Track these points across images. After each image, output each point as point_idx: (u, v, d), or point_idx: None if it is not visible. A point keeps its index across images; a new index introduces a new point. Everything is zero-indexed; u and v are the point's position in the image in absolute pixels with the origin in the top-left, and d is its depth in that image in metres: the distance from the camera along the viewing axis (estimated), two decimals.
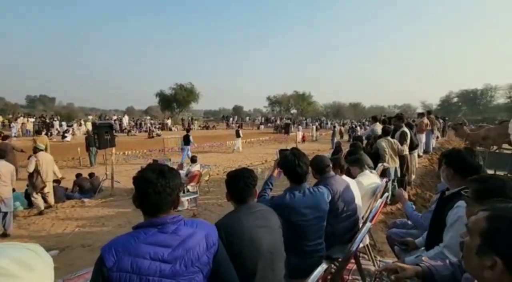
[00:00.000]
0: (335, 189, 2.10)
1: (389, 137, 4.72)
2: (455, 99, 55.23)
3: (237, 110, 61.10)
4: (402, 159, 4.88)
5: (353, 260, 2.39)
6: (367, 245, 2.88)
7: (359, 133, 15.57)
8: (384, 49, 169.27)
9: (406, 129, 5.16)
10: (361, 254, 2.86)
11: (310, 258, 1.77)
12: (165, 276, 1.07)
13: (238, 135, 15.52)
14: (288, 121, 29.27)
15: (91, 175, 7.61)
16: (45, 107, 44.58)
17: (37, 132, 9.86)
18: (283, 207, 1.71)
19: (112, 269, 1.02)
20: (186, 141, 11.27)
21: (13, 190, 5.83)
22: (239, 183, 1.51)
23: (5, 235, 4.71)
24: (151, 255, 1.06)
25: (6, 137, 7.77)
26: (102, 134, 7.14)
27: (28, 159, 5.97)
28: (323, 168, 2.19)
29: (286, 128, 16.40)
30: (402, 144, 4.86)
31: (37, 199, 5.61)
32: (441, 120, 14.55)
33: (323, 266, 1.33)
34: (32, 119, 22.61)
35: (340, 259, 1.97)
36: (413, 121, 8.79)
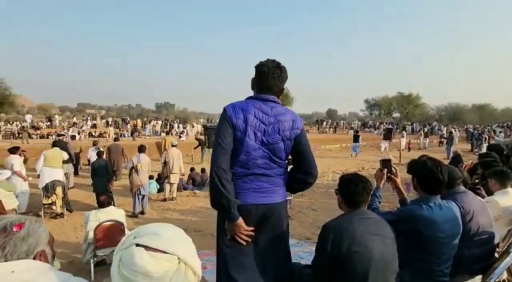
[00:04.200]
0: (467, 207, 1.78)
1: None
2: None
3: (331, 114, 58.99)
4: None
5: None
6: (503, 281, 2.34)
7: (491, 142, 12.64)
8: None
9: None
10: None
11: (435, 281, 1.57)
12: (260, 131, 1.51)
13: (386, 138, 16.81)
14: (390, 126, 26.35)
15: (203, 170, 8.82)
16: (167, 112, 54.10)
17: (167, 133, 12.08)
18: (420, 219, 1.56)
19: (232, 116, 1.50)
20: (356, 139, 14.86)
21: (151, 177, 7.34)
22: (358, 186, 1.49)
23: (142, 213, 5.97)
24: (255, 114, 1.51)
25: (117, 139, 9.81)
26: (211, 135, 8.20)
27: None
28: (453, 180, 1.88)
29: (388, 134, 14.77)
30: None
31: (166, 187, 6.88)
32: None
33: None
34: (160, 122, 27.82)
35: None
36: None
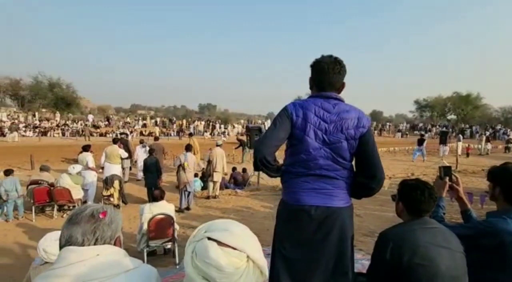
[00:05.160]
0: None
1: None
2: None
3: (376, 115, 55.74)
4: None
5: None
6: None
7: None
8: None
9: None
10: None
11: None
12: (320, 129, 1.45)
13: (441, 141, 15.97)
14: (444, 129, 24.10)
15: (244, 170, 8.98)
16: (210, 113, 56.20)
17: (190, 135, 11.87)
18: (506, 234, 1.38)
19: (292, 113, 1.47)
20: (421, 142, 14.05)
21: (195, 175, 7.69)
22: (424, 194, 1.37)
23: (188, 209, 6.27)
24: (315, 112, 1.46)
25: (157, 138, 10.27)
26: (253, 136, 8.30)
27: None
28: None
29: (443, 137, 13.46)
30: None
31: (209, 185, 7.14)
32: None
33: None
34: (202, 122, 29.05)
35: None
36: None
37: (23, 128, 22.03)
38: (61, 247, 0.87)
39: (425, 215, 1.40)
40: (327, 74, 1.48)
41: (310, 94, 1.58)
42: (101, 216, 0.90)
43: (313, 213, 1.44)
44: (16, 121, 24.38)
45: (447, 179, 1.77)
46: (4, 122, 23.90)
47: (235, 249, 0.70)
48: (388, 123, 40.04)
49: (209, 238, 0.72)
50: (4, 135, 20.38)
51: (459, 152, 14.82)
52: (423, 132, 19.95)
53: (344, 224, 1.47)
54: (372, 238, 4.52)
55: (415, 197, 1.39)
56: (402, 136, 30.23)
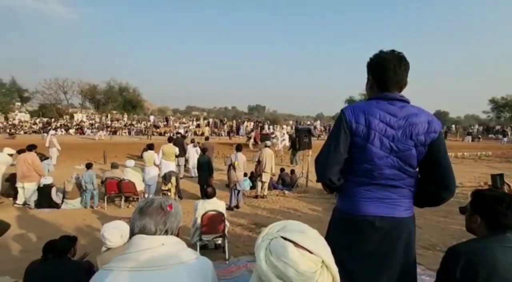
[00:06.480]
0: None
1: None
2: None
3: (440, 116, 50.30)
4: None
5: None
6: None
7: None
8: None
9: None
10: None
11: None
12: (387, 136, 1.30)
13: None
14: None
15: (292, 171, 8.93)
16: (258, 114, 57.06)
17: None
18: None
19: (351, 121, 1.32)
20: None
21: (245, 175, 7.90)
22: (510, 207, 1.21)
23: (237, 207, 6.47)
24: (380, 117, 1.30)
25: (207, 138, 10.61)
26: (302, 137, 8.20)
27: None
28: None
29: None
30: None
31: (258, 185, 7.28)
32: None
33: None
34: (252, 123, 29.64)
35: None
36: None
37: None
38: (132, 235, 0.98)
39: (508, 232, 1.23)
40: (393, 72, 1.31)
41: (372, 96, 1.40)
42: (168, 209, 1.00)
43: (378, 223, 1.32)
44: (94, 121, 28.09)
45: (505, 187, 1.62)
46: (84, 122, 27.70)
47: (311, 252, 0.69)
48: (454, 125, 35.66)
49: (284, 238, 0.71)
50: (84, 133, 23.64)
51: None
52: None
53: (410, 235, 1.36)
54: (433, 252, 4.11)
55: (500, 210, 1.23)
56: (473, 140, 26.69)
